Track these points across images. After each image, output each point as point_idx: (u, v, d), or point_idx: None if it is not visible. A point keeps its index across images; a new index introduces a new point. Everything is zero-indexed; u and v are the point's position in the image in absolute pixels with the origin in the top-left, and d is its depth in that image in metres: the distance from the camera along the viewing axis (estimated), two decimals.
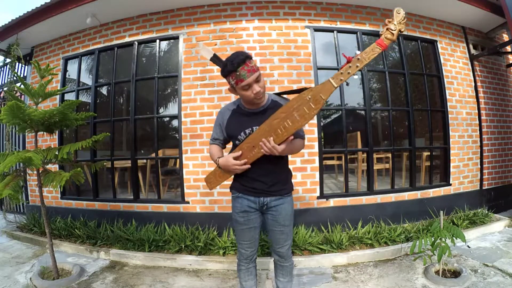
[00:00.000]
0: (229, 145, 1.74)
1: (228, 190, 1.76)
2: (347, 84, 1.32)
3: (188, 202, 3.54)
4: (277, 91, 3.40)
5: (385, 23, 1.20)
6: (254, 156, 1.49)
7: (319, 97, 1.33)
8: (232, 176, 1.66)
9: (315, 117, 3.48)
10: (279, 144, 1.41)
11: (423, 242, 2.40)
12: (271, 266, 2.70)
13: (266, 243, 2.91)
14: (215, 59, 1.61)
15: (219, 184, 1.71)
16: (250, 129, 1.53)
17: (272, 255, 1.78)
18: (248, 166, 1.51)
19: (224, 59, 1.48)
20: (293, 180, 3.59)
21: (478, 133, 4.21)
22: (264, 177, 1.56)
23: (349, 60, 1.27)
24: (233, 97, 3.49)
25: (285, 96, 1.66)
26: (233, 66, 1.35)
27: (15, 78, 4.43)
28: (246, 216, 1.62)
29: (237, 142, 1.57)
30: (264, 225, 1.71)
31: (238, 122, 1.58)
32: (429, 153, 4.14)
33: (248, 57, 1.38)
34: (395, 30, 1.18)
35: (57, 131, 3.01)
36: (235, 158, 1.51)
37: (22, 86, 2.47)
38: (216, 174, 1.68)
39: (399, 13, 1.17)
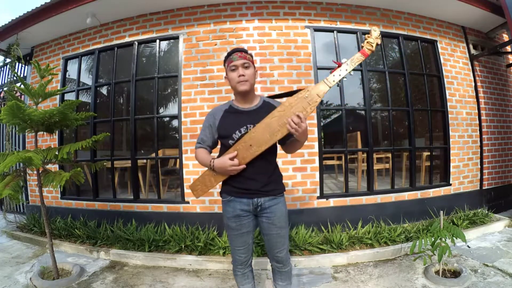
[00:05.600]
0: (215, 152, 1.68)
1: None
2: (338, 85, 1.59)
3: (188, 202, 3.54)
4: (277, 91, 3.41)
5: (365, 38, 1.51)
6: (251, 155, 1.48)
7: (315, 96, 1.46)
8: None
9: (315, 117, 3.49)
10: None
11: (423, 242, 2.40)
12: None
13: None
14: None
15: (207, 192, 1.66)
16: (245, 127, 1.52)
17: (270, 261, 1.73)
18: (244, 166, 1.49)
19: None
20: (293, 180, 3.58)
21: (478, 133, 4.21)
22: (258, 176, 1.54)
23: (339, 64, 1.49)
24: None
25: (278, 100, 1.67)
26: (230, 52, 1.57)
27: (15, 78, 4.43)
28: (238, 221, 1.58)
29: (230, 141, 1.54)
30: (259, 231, 1.68)
31: (232, 121, 1.57)
32: (429, 153, 4.14)
33: (245, 50, 1.57)
34: (373, 43, 1.49)
35: (57, 131, 3.01)
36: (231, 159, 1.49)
37: (22, 86, 2.46)
38: (205, 180, 1.62)
39: (375, 31, 1.49)
